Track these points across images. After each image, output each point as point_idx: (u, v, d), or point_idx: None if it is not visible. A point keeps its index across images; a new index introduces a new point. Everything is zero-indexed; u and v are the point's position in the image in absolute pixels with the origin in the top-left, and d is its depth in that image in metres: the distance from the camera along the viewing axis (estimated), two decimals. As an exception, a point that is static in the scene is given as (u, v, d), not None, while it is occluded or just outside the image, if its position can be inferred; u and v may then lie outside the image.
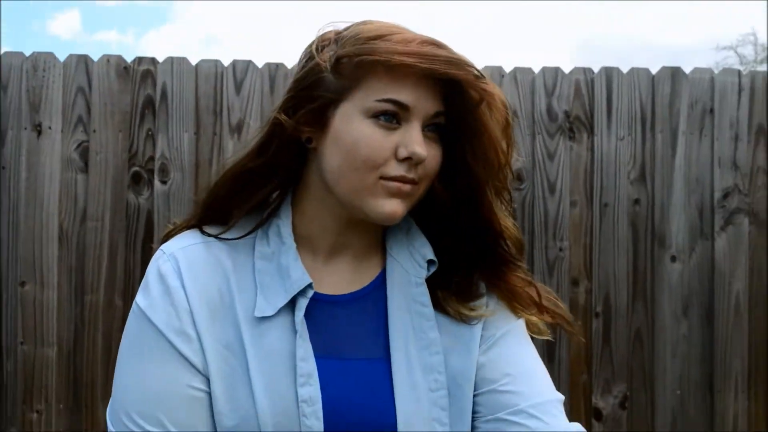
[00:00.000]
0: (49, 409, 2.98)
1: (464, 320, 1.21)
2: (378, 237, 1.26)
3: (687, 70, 3.30)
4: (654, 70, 3.29)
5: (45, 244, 3.01)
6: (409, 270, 1.23)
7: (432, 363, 1.16)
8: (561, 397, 1.20)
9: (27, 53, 3.07)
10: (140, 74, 3.09)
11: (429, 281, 1.22)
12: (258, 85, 3.11)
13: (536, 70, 3.23)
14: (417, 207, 1.21)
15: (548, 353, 3.08)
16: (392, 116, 1.12)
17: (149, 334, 1.13)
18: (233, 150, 3.05)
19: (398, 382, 1.14)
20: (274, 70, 3.12)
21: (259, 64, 3.13)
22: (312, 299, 1.15)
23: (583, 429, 1.15)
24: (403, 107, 1.11)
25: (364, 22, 1.18)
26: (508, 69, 3.22)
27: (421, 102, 1.12)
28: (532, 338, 1.28)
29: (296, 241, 1.20)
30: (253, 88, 3.10)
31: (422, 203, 1.21)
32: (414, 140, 1.12)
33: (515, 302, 1.26)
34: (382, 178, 1.13)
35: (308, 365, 1.11)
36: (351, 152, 1.12)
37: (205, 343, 1.11)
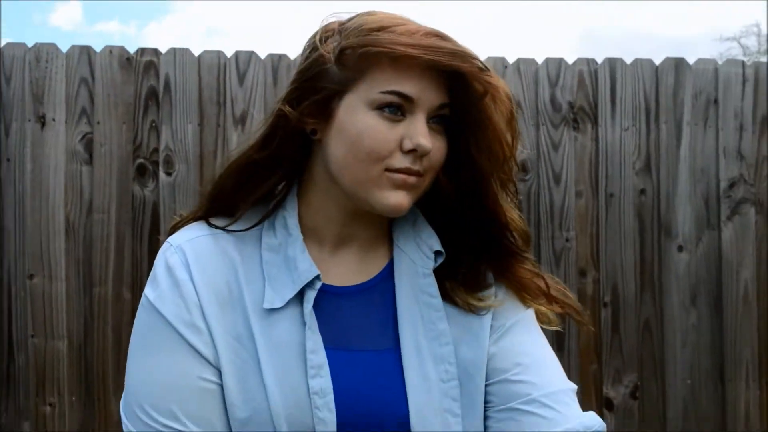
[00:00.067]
0: (62, 401, 2.98)
1: (473, 310, 1.21)
2: (384, 228, 1.26)
3: (691, 61, 3.30)
4: (657, 61, 3.29)
5: (52, 237, 3.01)
6: (416, 261, 1.22)
7: (442, 353, 1.16)
8: (574, 386, 1.20)
9: (29, 44, 3.06)
10: (143, 65, 3.08)
11: (436, 272, 1.22)
12: (261, 76, 3.10)
13: (539, 61, 3.22)
14: (423, 199, 1.21)
15: (558, 343, 3.07)
16: (397, 108, 1.12)
17: (159, 326, 1.13)
18: (237, 141, 3.05)
19: (409, 372, 1.14)
20: (276, 61, 3.12)
21: (262, 55, 3.13)
22: (320, 291, 1.15)
23: (598, 417, 1.15)
24: (407, 99, 1.11)
25: (367, 13, 1.17)
26: (511, 60, 3.21)
27: (425, 94, 1.12)
28: (542, 329, 1.28)
29: (303, 232, 1.19)
30: (256, 80, 3.10)
31: (428, 195, 1.21)
32: (419, 132, 1.11)
33: (524, 293, 1.26)
34: (387, 170, 1.12)
35: (318, 357, 1.11)
36: (355, 144, 1.12)
37: (215, 335, 1.11)
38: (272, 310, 1.13)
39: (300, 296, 1.14)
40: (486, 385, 1.18)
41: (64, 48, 3.07)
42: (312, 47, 1.18)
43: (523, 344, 1.21)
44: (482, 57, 2.92)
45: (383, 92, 1.11)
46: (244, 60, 3.11)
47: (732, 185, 3.22)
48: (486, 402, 1.18)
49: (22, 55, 3.03)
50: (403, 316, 1.18)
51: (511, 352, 1.19)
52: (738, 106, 3.27)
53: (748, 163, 3.25)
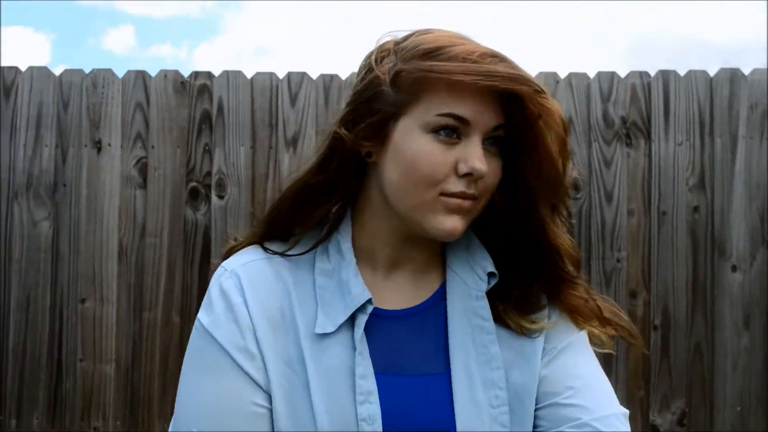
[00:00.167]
0: (107, 425, 3.02)
1: (525, 333, 1.19)
2: (437, 250, 1.25)
3: (744, 69, 3.23)
4: (710, 70, 3.23)
5: (105, 261, 3.06)
6: (469, 283, 1.21)
7: (493, 378, 1.15)
8: (626, 411, 1.18)
9: (84, 70, 3.12)
10: (197, 89, 3.12)
11: (489, 294, 1.21)
12: (313, 97, 3.12)
13: (591, 75, 3.20)
14: (477, 220, 1.20)
15: (605, 367, 3.01)
16: (452, 130, 1.11)
17: (212, 351, 1.13)
18: (289, 163, 3.07)
19: (459, 398, 1.14)
20: (328, 81, 3.13)
21: (314, 76, 3.14)
22: (372, 315, 1.14)
23: None
24: (463, 121, 1.10)
25: (424, 32, 1.16)
26: (563, 75, 3.19)
27: (481, 116, 1.11)
28: (594, 351, 1.26)
29: (356, 255, 1.19)
30: (308, 101, 3.12)
31: (482, 216, 1.20)
32: (474, 155, 1.10)
33: (576, 315, 1.24)
34: (442, 194, 1.12)
35: (368, 383, 1.11)
36: (411, 168, 1.11)
37: (267, 360, 1.12)
38: (324, 335, 1.13)
39: (352, 321, 1.14)
40: (536, 409, 1.17)
41: (120, 73, 3.12)
42: (368, 68, 1.17)
43: (575, 367, 1.20)
44: (534, 72, 2.91)
45: (439, 115, 1.10)
46: (296, 81, 3.13)
47: (788, 200, 3.15)
48: (535, 426, 1.17)
49: (80, 81, 3.10)
50: (454, 340, 1.17)
51: (562, 375, 1.18)
52: (795, 117, 3.19)
53: (805, 177, 3.17)
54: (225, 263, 1.21)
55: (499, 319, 1.20)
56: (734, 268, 3.12)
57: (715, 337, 3.11)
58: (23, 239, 3.06)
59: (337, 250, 1.20)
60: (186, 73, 3.14)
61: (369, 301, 1.14)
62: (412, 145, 1.11)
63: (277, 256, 1.20)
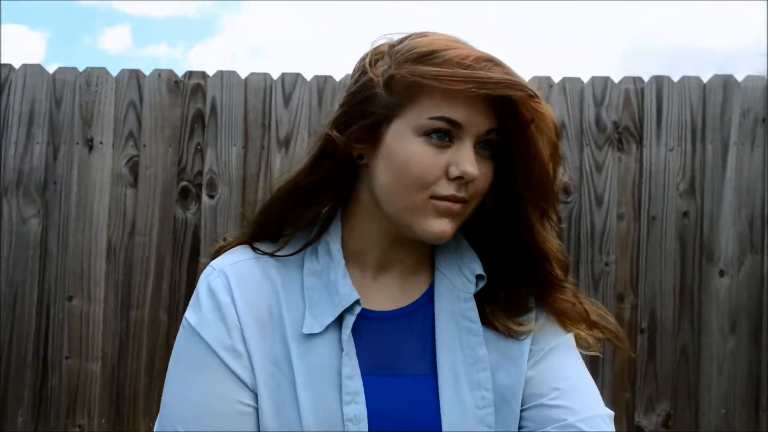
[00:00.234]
0: (92, 424, 3.02)
1: (512, 335, 1.20)
2: (426, 252, 1.26)
3: (737, 75, 3.24)
4: (703, 77, 3.24)
5: (93, 259, 3.06)
6: (457, 285, 1.22)
7: (479, 380, 1.15)
8: (611, 412, 1.19)
9: (79, 69, 3.12)
10: (191, 88, 3.12)
11: (477, 296, 1.21)
12: (306, 98, 3.12)
13: (585, 79, 3.20)
14: (466, 222, 1.21)
15: (592, 369, 3.01)
16: (444, 134, 1.11)
17: (199, 350, 1.13)
18: (281, 164, 3.07)
19: (445, 398, 1.14)
20: (322, 83, 3.13)
21: (308, 77, 3.14)
22: (360, 315, 1.15)
23: None
24: (455, 125, 1.10)
25: (419, 35, 1.17)
26: (557, 79, 3.20)
27: (473, 119, 1.11)
28: (581, 354, 1.27)
29: (345, 257, 1.19)
30: (302, 102, 3.12)
31: (471, 218, 1.21)
32: (466, 159, 1.11)
33: (564, 318, 1.25)
34: (432, 197, 1.12)
35: (354, 383, 1.11)
36: (402, 170, 1.12)
37: (254, 359, 1.12)
38: (311, 335, 1.13)
39: (339, 321, 1.14)
40: (522, 410, 1.17)
41: (114, 72, 3.12)
42: (362, 70, 1.18)
43: (561, 369, 1.20)
44: (528, 76, 2.89)
45: (431, 118, 1.10)
46: (290, 82, 3.13)
47: (778, 207, 3.16)
48: (521, 427, 1.17)
49: (73, 79, 3.10)
50: (441, 341, 1.18)
51: (548, 377, 1.18)
52: (787, 125, 3.20)
53: (796, 184, 3.18)
54: (213, 262, 1.21)
55: (486, 320, 1.20)
56: (722, 273, 3.13)
57: (701, 340, 3.12)
58: (12, 236, 3.06)
59: (326, 251, 1.20)
60: (181, 73, 3.14)
61: (357, 302, 1.14)
62: (404, 148, 1.11)
63: (266, 256, 1.20)
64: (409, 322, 1.20)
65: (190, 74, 3.14)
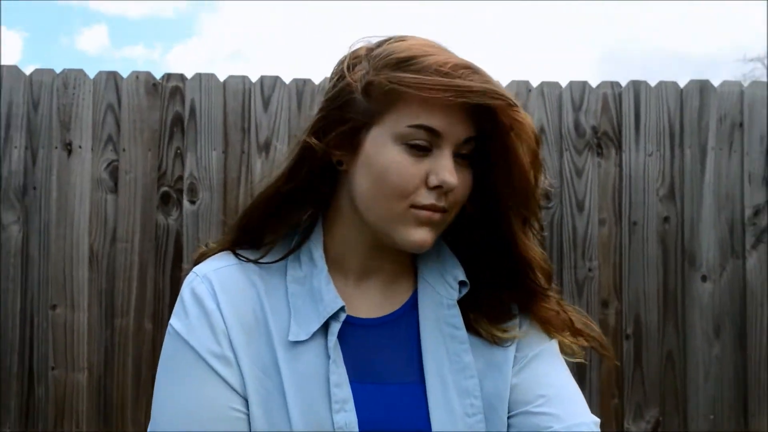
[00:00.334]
0: (80, 433, 2.98)
1: (497, 342, 1.20)
2: (409, 259, 1.25)
3: (714, 81, 3.27)
4: (680, 82, 3.26)
5: (75, 266, 3.02)
6: (440, 291, 1.22)
7: (467, 387, 1.15)
8: (597, 419, 1.18)
9: (56, 70, 3.08)
10: (169, 91, 3.10)
11: (460, 303, 1.21)
12: (286, 101, 3.11)
13: (563, 84, 3.21)
14: (448, 229, 1.20)
15: (579, 376, 3.04)
16: (423, 147, 1.11)
17: (188, 357, 1.12)
18: (261, 168, 3.06)
19: (434, 406, 1.14)
20: (301, 86, 3.12)
21: (287, 80, 3.13)
22: (345, 323, 1.14)
23: None
24: (434, 133, 1.10)
25: (397, 39, 1.16)
26: (535, 83, 3.21)
27: (452, 128, 1.11)
28: (565, 361, 1.27)
29: (327, 263, 1.19)
30: (281, 105, 3.11)
31: (453, 225, 1.20)
32: (445, 168, 1.11)
33: (548, 326, 1.25)
34: (412, 206, 1.12)
35: (343, 391, 1.10)
36: (381, 179, 1.11)
37: (242, 365, 1.11)
38: (297, 342, 1.12)
39: (325, 328, 1.13)
40: (507, 418, 1.17)
41: (92, 73, 3.10)
42: (339, 75, 1.17)
43: (546, 375, 1.20)
44: (506, 81, 2.89)
45: (410, 126, 1.10)
46: (269, 85, 3.12)
47: (757, 212, 3.18)
48: None
49: (50, 81, 3.06)
50: (427, 349, 1.17)
51: (533, 384, 1.18)
52: (764, 129, 3.22)
53: (774, 188, 3.21)
54: (196, 269, 1.21)
55: (470, 327, 1.20)
56: (704, 278, 3.15)
57: (686, 346, 3.13)
58: (-8, 243, 3.02)
59: (308, 257, 1.19)
60: (159, 75, 3.12)
61: (342, 309, 1.14)
62: (383, 156, 1.11)
63: (249, 263, 1.20)
64: (394, 330, 1.20)
65: (168, 76, 3.11)
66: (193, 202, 3.05)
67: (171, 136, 3.08)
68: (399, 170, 1.10)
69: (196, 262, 1.24)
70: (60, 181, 3.03)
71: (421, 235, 1.13)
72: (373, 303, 1.22)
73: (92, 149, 3.05)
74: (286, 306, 1.16)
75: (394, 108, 1.11)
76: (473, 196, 1.19)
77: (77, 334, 3.00)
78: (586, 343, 1.28)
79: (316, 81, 3.13)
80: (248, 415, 1.11)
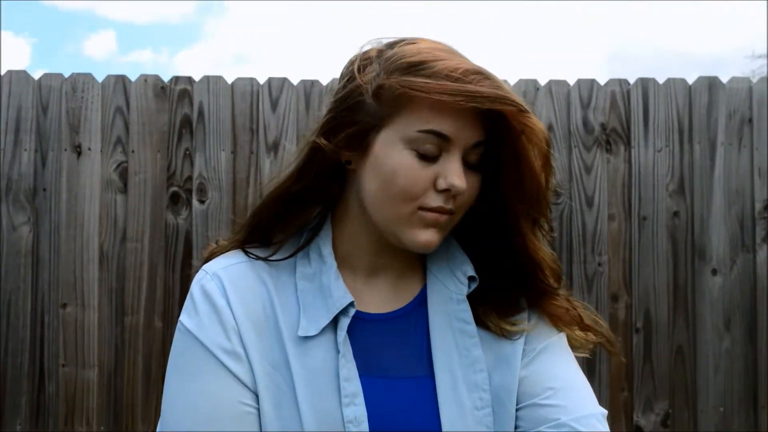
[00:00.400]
0: (90, 430, 3.00)
1: (505, 335, 1.20)
2: (417, 255, 1.25)
3: (723, 79, 3.27)
4: (689, 80, 3.26)
5: (86, 266, 3.04)
6: (450, 287, 1.22)
7: (476, 381, 1.15)
8: (604, 411, 1.18)
9: (64, 75, 3.10)
10: (177, 93, 3.11)
11: (469, 298, 1.21)
12: (293, 102, 3.12)
13: (571, 82, 3.22)
14: (457, 227, 1.21)
15: (588, 370, 3.05)
16: (432, 152, 1.11)
17: (198, 353, 1.12)
18: (270, 168, 3.07)
19: (443, 400, 1.14)
20: (309, 87, 3.13)
21: (294, 82, 3.14)
22: (354, 318, 1.14)
23: None
24: (444, 138, 1.10)
25: (407, 41, 1.16)
26: (543, 82, 3.21)
27: (462, 132, 1.11)
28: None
29: (336, 260, 1.19)
30: (289, 106, 3.12)
31: (462, 221, 1.21)
32: (453, 172, 1.11)
33: (557, 320, 1.25)
34: (420, 208, 1.12)
35: (352, 385, 1.10)
36: (389, 181, 1.11)
37: (253, 361, 1.11)
38: (307, 338, 1.12)
39: (334, 324, 1.14)
40: (516, 410, 1.17)
41: (100, 78, 3.11)
42: (350, 76, 1.17)
43: (554, 368, 1.20)
44: (514, 79, 2.89)
45: (420, 131, 1.10)
46: (277, 86, 3.13)
47: (767, 206, 3.18)
48: (516, 427, 1.17)
49: (59, 85, 3.08)
50: (436, 343, 1.18)
51: (541, 376, 1.18)
52: (773, 125, 3.22)
53: (784, 183, 3.20)
54: (206, 266, 1.21)
55: (479, 321, 1.20)
56: (714, 272, 3.14)
57: (696, 339, 3.13)
58: (3, 244, 3.03)
59: (317, 254, 1.20)
60: (167, 79, 3.13)
61: (351, 304, 1.14)
62: (392, 159, 1.11)
63: (258, 260, 1.20)
64: (403, 325, 1.20)
65: (176, 79, 3.13)
66: (202, 202, 3.06)
67: (180, 137, 3.09)
68: (408, 173, 1.10)
69: (207, 260, 1.25)
70: (70, 183, 3.05)
71: (427, 237, 1.14)
72: (383, 298, 1.22)
73: (101, 151, 3.06)
74: (295, 302, 1.16)
75: (404, 111, 1.11)
76: (481, 197, 1.19)
77: (88, 333, 3.01)
78: (594, 338, 1.28)
79: (324, 82, 3.14)
80: (258, 410, 1.11)
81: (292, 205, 1.21)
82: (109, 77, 3.11)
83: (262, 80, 3.14)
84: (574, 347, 1.27)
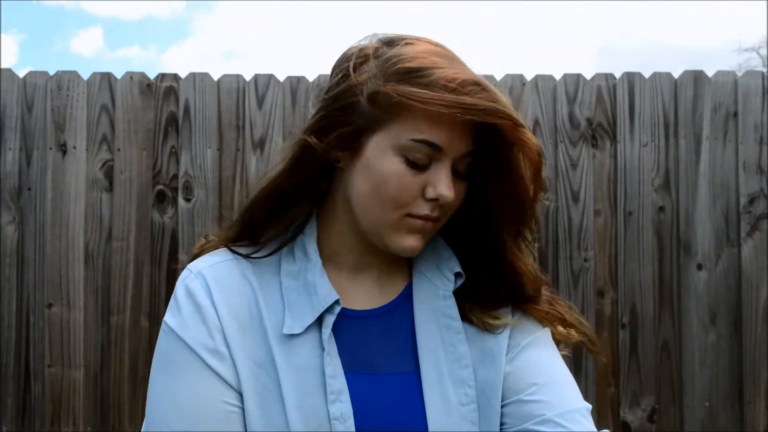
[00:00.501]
0: (77, 431, 2.99)
1: (489, 329, 1.20)
2: None
3: (709, 73, 3.27)
4: (676, 74, 3.27)
5: (71, 265, 3.03)
6: (436, 283, 1.22)
7: (462, 376, 1.16)
8: (588, 406, 1.18)
9: (50, 72, 3.09)
10: (163, 91, 3.11)
11: (455, 294, 1.21)
12: (280, 99, 3.11)
13: (557, 77, 3.22)
14: (444, 226, 1.21)
15: (575, 365, 3.06)
16: (423, 163, 1.11)
17: (181, 353, 1.12)
18: (256, 166, 3.06)
19: (429, 396, 1.14)
20: (295, 83, 3.13)
21: (281, 78, 3.14)
22: (339, 315, 1.15)
23: None
24: (435, 148, 1.10)
25: (405, 42, 1.15)
26: (529, 77, 3.21)
27: (454, 143, 1.11)
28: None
29: (321, 257, 1.19)
30: (275, 103, 3.11)
31: (450, 222, 1.21)
32: (443, 182, 1.11)
33: (541, 319, 1.25)
34: (407, 215, 1.13)
35: (338, 382, 1.11)
36: (379, 187, 1.11)
37: (236, 360, 1.11)
38: (292, 336, 1.12)
39: (319, 321, 1.14)
40: (501, 407, 1.17)
41: (87, 74, 3.10)
42: (344, 73, 1.16)
43: (538, 363, 1.20)
44: (500, 75, 2.87)
45: (413, 140, 1.09)
46: (263, 83, 3.12)
47: (752, 200, 3.19)
48: (501, 424, 1.17)
49: (44, 83, 3.07)
50: (422, 339, 1.18)
51: (525, 372, 1.19)
52: (758, 119, 3.23)
53: (769, 177, 3.21)
54: (190, 265, 1.21)
55: (464, 317, 1.20)
56: (699, 267, 3.15)
57: (682, 334, 3.14)
58: (-13, 243, 3.02)
59: (302, 251, 1.20)
60: (154, 76, 3.12)
61: (336, 302, 1.14)
62: (383, 165, 1.11)
63: (243, 258, 1.20)
64: (389, 321, 1.20)
65: (162, 76, 3.12)
66: (188, 200, 3.05)
67: (165, 135, 3.08)
68: (398, 181, 1.10)
69: (196, 256, 1.25)
70: (55, 182, 3.04)
71: (412, 242, 1.14)
72: (368, 295, 1.22)
73: (87, 149, 3.05)
74: (280, 300, 1.16)
75: (398, 118, 1.10)
76: (467, 202, 1.19)
77: (73, 332, 3.01)
78: (576, 336, 1.29)
79: (310, 78, 3.13)
80: (242, 409, 1.11)
81: (282, 202, 1.21)
82: (94, 75, 3.10)
83: (248, 77, 3.13)
84: (556, 341, 1.27)
